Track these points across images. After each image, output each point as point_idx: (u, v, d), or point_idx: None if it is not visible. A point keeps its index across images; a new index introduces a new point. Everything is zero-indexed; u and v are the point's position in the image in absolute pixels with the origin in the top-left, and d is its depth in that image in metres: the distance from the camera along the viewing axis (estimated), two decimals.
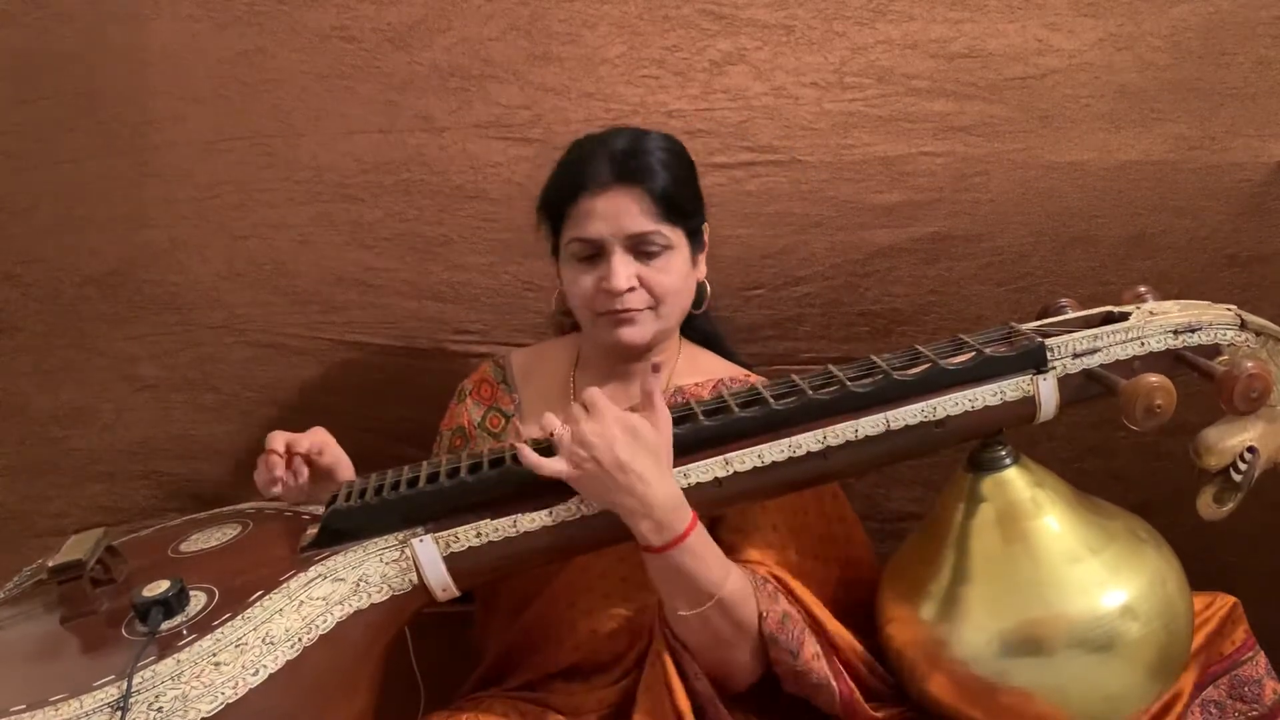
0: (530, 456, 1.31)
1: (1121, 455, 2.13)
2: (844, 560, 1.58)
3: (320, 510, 1.37)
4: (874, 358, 1.40)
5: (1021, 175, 1.99)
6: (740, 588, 1.38)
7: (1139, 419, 1.26)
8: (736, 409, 1.33)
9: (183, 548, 1.37)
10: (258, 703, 1.10)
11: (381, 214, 1.97)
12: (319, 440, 1.49)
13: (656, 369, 1.33)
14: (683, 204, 1.57)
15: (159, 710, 1.06)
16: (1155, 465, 2.07)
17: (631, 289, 1.52)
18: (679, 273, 1.57)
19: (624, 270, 1.51)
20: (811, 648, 1.41)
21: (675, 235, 1.55)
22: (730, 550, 1.46)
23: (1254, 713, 1.48)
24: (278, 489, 1.44)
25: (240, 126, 1.92)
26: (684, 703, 1.38)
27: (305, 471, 1.46)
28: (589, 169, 1.53)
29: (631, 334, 1.55)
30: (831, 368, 1.39)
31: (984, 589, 1.35)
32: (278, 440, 1.46)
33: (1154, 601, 1.32)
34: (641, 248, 1.53)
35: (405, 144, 1.95)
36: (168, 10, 1.88)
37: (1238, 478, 1.38)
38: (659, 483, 1.29)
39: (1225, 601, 1.53)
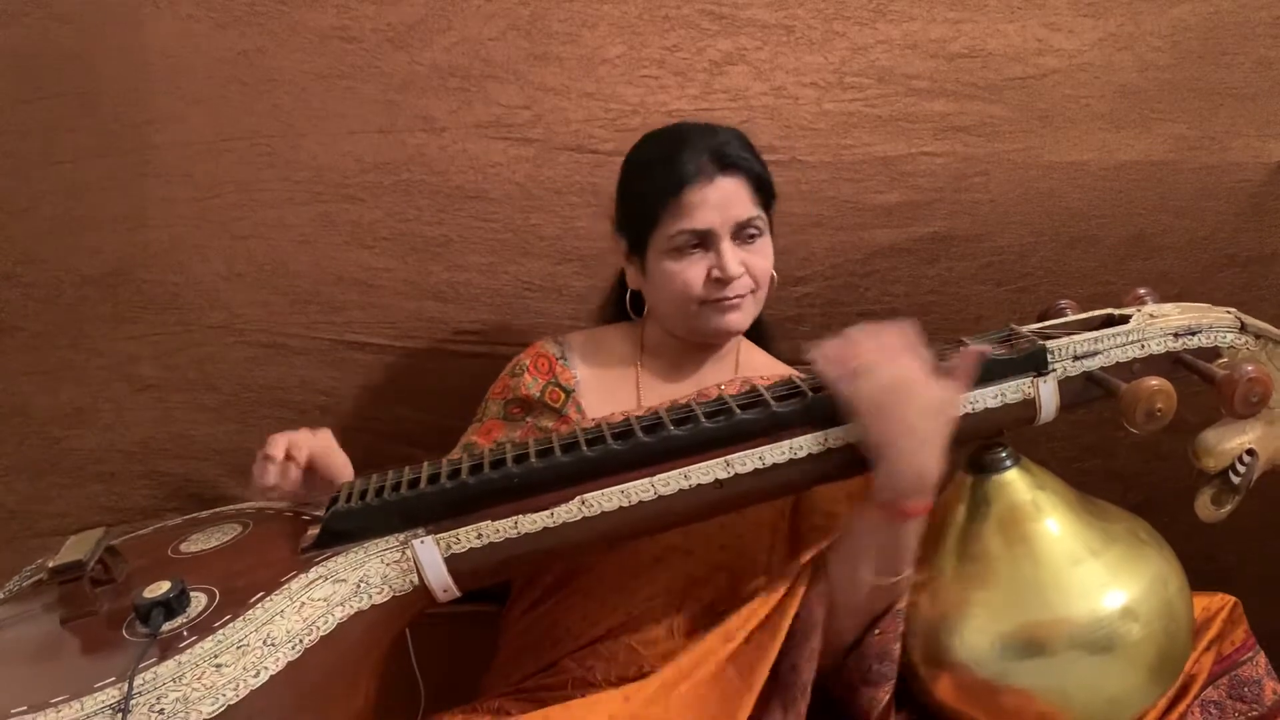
0: (829, 365, 1.31)
1: (1121, 455, 2.13)
2: None
3: (320, 511, 1.37)
4: None
5: (1021, 175, 2.00)
6: (911, 575, 1.38)
7: (1139, 422, 1.26)
8: (738, 410, 1.32)
9: (183, 548, 1.36)
10: (259, 704, 1.10)
11: (381, 214, 1.97)
12: (321, 445, 1.47)
13: (984, 357, 1.32)
14: (770, 189, 1.64)
15: (160, 712, 1.05)
16: (1155, 465, 2.07)
17: (740, 275, 1.57)
18: (771, 256, 1.64)
19: (735, 257, 1.57)
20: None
21: (765, 220, 1.62)
22: (821, 532, 1.48)
23: (1254, 713, 1.47)
24: (273, 494, 1.44)
25: (240, 126, 1.92)
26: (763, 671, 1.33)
27: (295, 478, 1.44)
28: (689, 162, 1.56)
29: (737, 320, 1.62)
30: None
31: (985, 591, 1.35)
32: (277, 445, 1.44)
33: (1155, 603, 1.32)
34: (745, 233, 1.59)
35: (405, 144, 1.95)
36: (168, 10, 1.88)
37: (1236, 480, 1.38)
38: (938, 453, 1.28)
39: (1225, 602, 1.53)
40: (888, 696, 1.38)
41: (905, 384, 1.27)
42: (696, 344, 1.69)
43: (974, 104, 1.97)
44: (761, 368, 1.74)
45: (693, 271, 1.57)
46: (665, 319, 1.68)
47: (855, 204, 2.01)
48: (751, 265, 1.59)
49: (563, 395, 1.67)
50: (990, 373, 1.35)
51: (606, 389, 1.69)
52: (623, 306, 1.75)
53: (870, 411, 1.27)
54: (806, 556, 1.42)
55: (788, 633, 1.34)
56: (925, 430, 1.26)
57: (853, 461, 1.34)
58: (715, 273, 1.57)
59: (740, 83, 1.96)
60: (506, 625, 1.67)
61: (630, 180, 1.67)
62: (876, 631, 1.38)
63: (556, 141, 1.96)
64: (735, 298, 1.59)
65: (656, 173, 1.59)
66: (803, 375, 1.40)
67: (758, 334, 1.81)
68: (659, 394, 1.68)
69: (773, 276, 1.66)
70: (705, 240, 1.57)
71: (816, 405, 1.33)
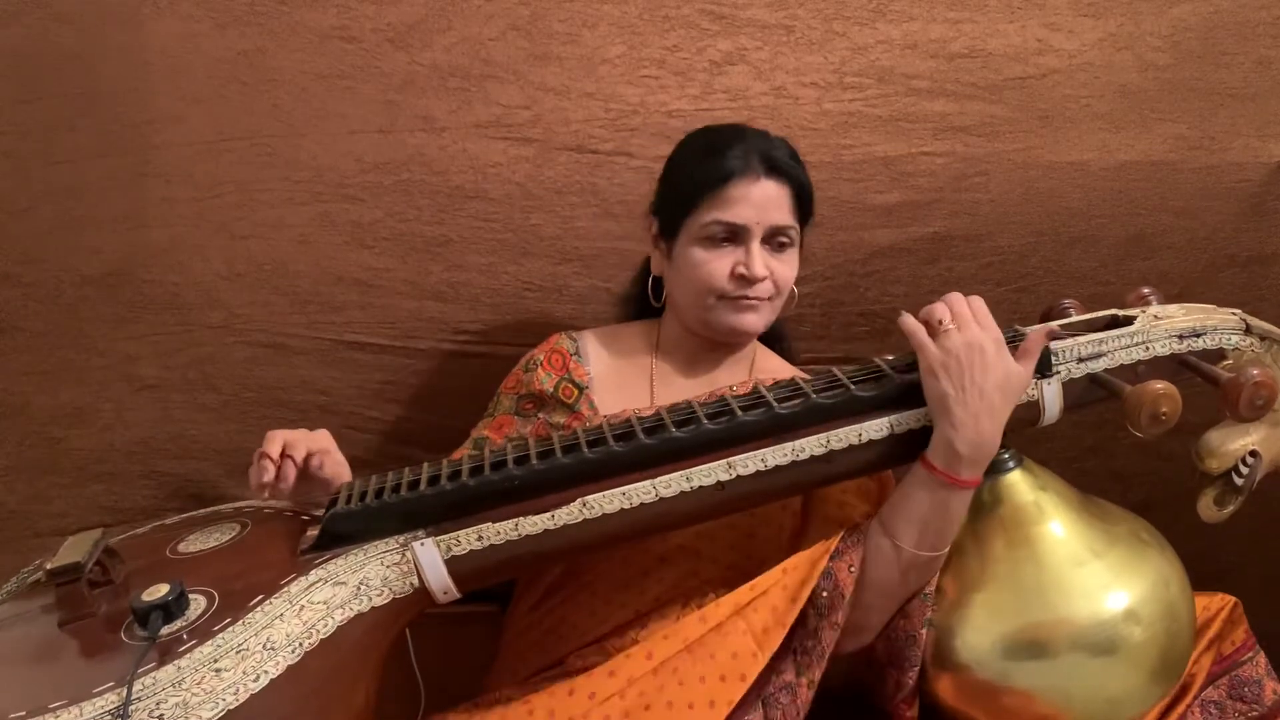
0: (911, 322, 1.34)
1: (1122, 455, 2.13)
2: None
3: (320, 511, 1.36)
4: (877, 360, 1.40)
5: (1021, 175, 2.00)
6: (944, 558, 1.39)
7: (1144, 426, 1.26)
8: (740, 412, 1.32)
9: (181, 548, 1.36)
10: (259, 708, 1.10)
11: (381, 214, 1.97)
12: (319, 448, 1.47)
13: (1052, 335, 1.34)
14: (810, 205, 1.66)
15: (160, 717, 1.05)
16: (1156, 465, 2.07)
17: (764, 277, 1.58)
18: (795, 269, 1.65)
19: (762, 259, 1.58)
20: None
21: (799, 235, 1.64)
22: (835, 527, 1.47)
23: (1254, 713, 1.48)
24: (267, 494, 1.44)
25: (240, 126, 1.92)
26: (778, 634, 1.34)
27: (291, 477, 1.44)
28: (740, 158, 1.58)
29: (753, 321, 1.63)
30: (835, 370, 1.39)
31: (987, 592, 1.35)
32: (275, 443, 1.44)
33: (1157, 604, 1.32)
34: (776, 239, 1.61)
35: (405, 144, 1.94)
36: (168, 10, 1.87)
37: (1239, 481, 1.38)
38: (999, 426, 1.31)
39: (1225, 602, 1.53)
40: (913, 681, 1.39)
41: (984, 349, 1.29)
42: (712, 343, 1.69)
43: (974, 104, 1.97)
44: (777, 372, 1.75)
45: (718, 264, 1.58)
46: (681, 310, 1.68)
47: (855, 204, 2.01)
48: (775, 272, 1.60)
49: (576, 391, 1.67)
50: None
51: (620, 386, 1.69)
52: (646, 302, 1.76)
53: (947, 366, 1.30)
54: (837, 537, 1.42)
55: (812, 601, 1.35)
56: (992, 398, 1.29)
57: (856, 463, 1.35)
58: (740, 269, 1.57)
59: (740, 83, 1.96)
60: (511, 622, 1.67)
61: (678, 163, 1.68)
62: (902, 615, 1.40)
63: (556, 141, 1.95)
64: (754, 299, 1.60)
65: (706, 161, 1.60)
66: (806, 377, 1.40)
67: (775, 339, 1.83)
68: (673, 393, 1.67)
69: (793, 290, 1.67)
70: (737, 236, 1.58)
71: (819, 407, 1.33)
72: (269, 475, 1.41)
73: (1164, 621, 1.33)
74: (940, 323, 1.32)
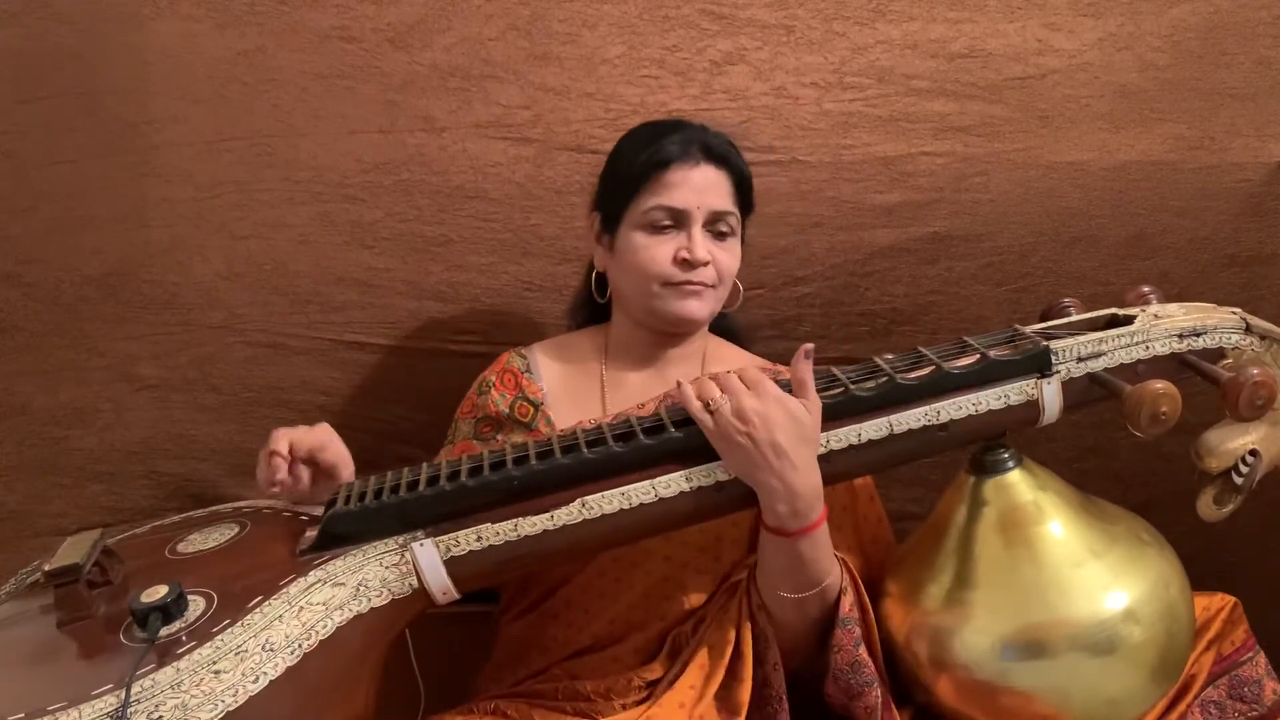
0: (693, 403, 1.33)
1: (1122, 455, 2.12)
2: (862, 552, 1.61)
3: (319, 511, 1.36)
4: (877, 359, 1.40)
5: (1021, 175, 1.99)
6: (837, 579, 1.41)
7: (1144, 426, 1.26)
8: None
9: (180, 548, 1.36)
10: (258, 709, 1.10)
11: (381, 214, 1.97)
12: (321, 438, 1.47)
13: (809, 354, 1.33)
14: (750, 195, 1.66)
15: None
16: (1156, 465, 2.07)
17: (706, 263, 1.57)
18: (738, 258, 1.65)
19: (704, 244, 1.58)
20: (868, 639, 1.43)
21: (739, 224, 1.63)
22: None
23: (1254, 713, 1.47)
24: (277, 489, 1.44)
25: (240, 126, 1.92)
26: (748, 670, 1.39)
27: (306, 477, 1.45)
28: (679, 144, 1.59)
29: (696, 307, 1.61)
30: (835, 370, 1.39)
31: (986, 593, 1.35)
32: (281, 441, 1.44)
33: (1156, 605, 1.32)
34: (717, 227, 1.60)
35: (405, 144, 1.95)
36: (168, 10, 1.88)
37: (1239, 480, 1.37)
38: (807, 471, 1.31)
39: (1225, 602, 1.53)
40: (878, 697, 1.40)
41: (756, 409, 1.29)
42: (662, 336, 1.68)
43: (974, 104, 1.97)
44: (731, 361, 1.73)
45: (660, 249, 1.58)
46: (627, 301, 1.67)
47: (855, 204, 2.00)
48: (718, 259, 1.59)
49: (531, 409, 1.66)
50: (994, 374, 1.35)
51: (572, 396, 1.69)
52: (594, 308, 1.75)
53: (730, 440, 1.30)
54: (736, 577, 1.48)
55: (755, 656, 1.41)
56: (788, 450, 1.29)
57: (854, 464, 1.35)
58: (683, 254, 1.57)
59: (740, 83, 1.96)
60: (497, 631, 1.68)
61: (618, 155, 1.68)
62: (836, 650, 1.41)
63: (556, 141, 1.95)
64: (698, 284, 1.59)
65: (645, 149, 1.60)
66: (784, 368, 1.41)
67: (729, 335, 1.81)
68: (625, 394, 1.68)
69: (737, 285, 1.68)
70: (679, 221, 1.58)
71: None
72: (282, 473, 1.42)
73: (1163, 622, 1.33)
74: (712, 402, 1.32)
